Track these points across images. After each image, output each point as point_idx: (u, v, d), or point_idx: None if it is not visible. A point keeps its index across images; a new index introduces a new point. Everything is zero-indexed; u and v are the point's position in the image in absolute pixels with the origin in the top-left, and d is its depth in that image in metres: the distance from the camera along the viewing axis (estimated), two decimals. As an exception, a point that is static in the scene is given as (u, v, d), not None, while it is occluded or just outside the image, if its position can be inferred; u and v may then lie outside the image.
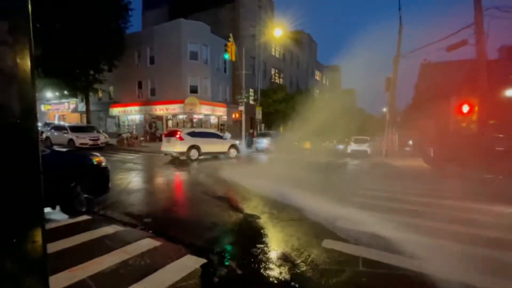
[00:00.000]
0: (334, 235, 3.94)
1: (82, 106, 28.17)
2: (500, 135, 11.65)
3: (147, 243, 3.49)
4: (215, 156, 14.96)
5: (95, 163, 5.07)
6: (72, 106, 32.90)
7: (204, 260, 3.05)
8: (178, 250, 3.31)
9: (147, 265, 2.95)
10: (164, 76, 26.21)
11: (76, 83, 22.40)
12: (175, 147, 13.35)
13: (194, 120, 26.34)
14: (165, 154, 14.18)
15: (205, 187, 7.36)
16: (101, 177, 5.17)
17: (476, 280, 2.69)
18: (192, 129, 14.81)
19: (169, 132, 14.41)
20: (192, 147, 13.52)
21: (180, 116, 26.67)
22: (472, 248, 3.47)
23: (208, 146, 14.26)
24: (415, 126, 27.85)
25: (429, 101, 23.74)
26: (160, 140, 26.82)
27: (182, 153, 13.32)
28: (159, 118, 27.43)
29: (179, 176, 9.29)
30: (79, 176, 4.68)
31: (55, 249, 3.22)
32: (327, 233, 3.99)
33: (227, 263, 3.07)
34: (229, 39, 17.59)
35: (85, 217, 4.49)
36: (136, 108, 27.99)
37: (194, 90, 25.90)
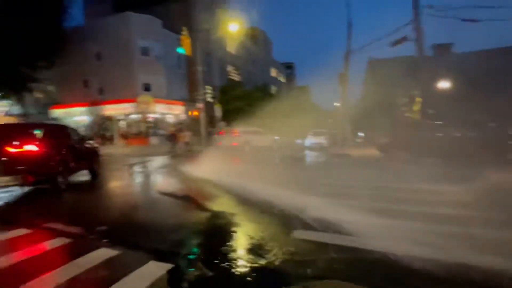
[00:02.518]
0: (303, 224, 3.92)
1: (17, 109, 24.96)
2: (439, 122, 12.92)
3: (102, 254, 3.09)
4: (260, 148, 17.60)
5: (98, 150, 9.17)
6: (4, 110, 28.95)
7: (170, 265, 2.78)
8: (140, 258, 2.98)
9: (104, 278, 2.60)
10: (113, 73, 24.34)
11: (6, 83, 19.62)
12: (232, 142, 17.43)
13: (150, 120, 25.02)
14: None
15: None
16: (100, 158, 8.93)
17: (434, 254, 2.83)
18: (244, 128, 18.63)
19: (225, 131, 19.32)
20: (244, 142, 17.25)
21: (133, 116, 25.12)
22: (428, 225, 3.68)
23: (256, 141, 17.62)
24: (365, 118, 29.77)
25: (377, 94, 25.51)
26: (111, 142, 24.98)
27: (237, 147, 17.01)
28: (110, 118, 25.50)
29: (132, 175, 8.66)
30: (95, 156, 8.54)
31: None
32: (296, 224, 3.96)
33: (195, 266, 2.84)
34: (183, 33, 16.89)
35: (23, 231, 3.87)
36: (82, 109, 25.65)
37: (147, 88, 24.55)
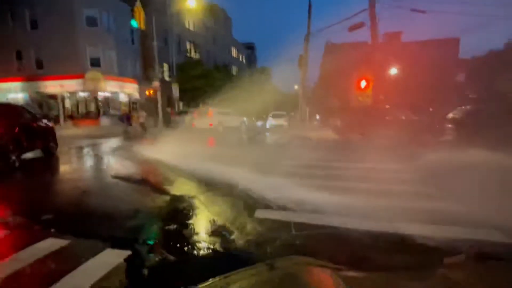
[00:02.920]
0: (265, 204, 4.01)
1: None
2: (387, 106, 13.87)
3: (50, 244, 2.84)
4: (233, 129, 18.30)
5: (54, 128, 9.26)
6: None
7: (128, 252, 2.66)
8: (93, 246, 2.79)
9: (52, 270, 2.39)
10: (54, 45, 21.69)
11: None
12: (208, 123, 17.55)
13: (100, 98, 23.06)
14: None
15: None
16: (55, 137, 9.03)
17: (381, 227, 3.11)
18: (218, 109, 18.95)
19: (200, 111, 19.36)
20: (218, 123, 17.82)
21: (81, 94, 22.95)
22: (376, 200, 3.99)
23: (228, 122, 18.37)
24: (322, 101, 30.93)
25: (333, 78, 26.51)
26: (56, 123, 22.63)
27: (212, 127, 17.47)
28: (54, 97, 22.96)
29: (83, 158, 8.03)
30: (51, 135, 8.72)
31: None
32: (258, 204, 4.03)
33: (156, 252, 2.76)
34: (137, 3, 15.47)
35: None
36: (17, 84, 22.68)
37: (95, 63, 22.41)
